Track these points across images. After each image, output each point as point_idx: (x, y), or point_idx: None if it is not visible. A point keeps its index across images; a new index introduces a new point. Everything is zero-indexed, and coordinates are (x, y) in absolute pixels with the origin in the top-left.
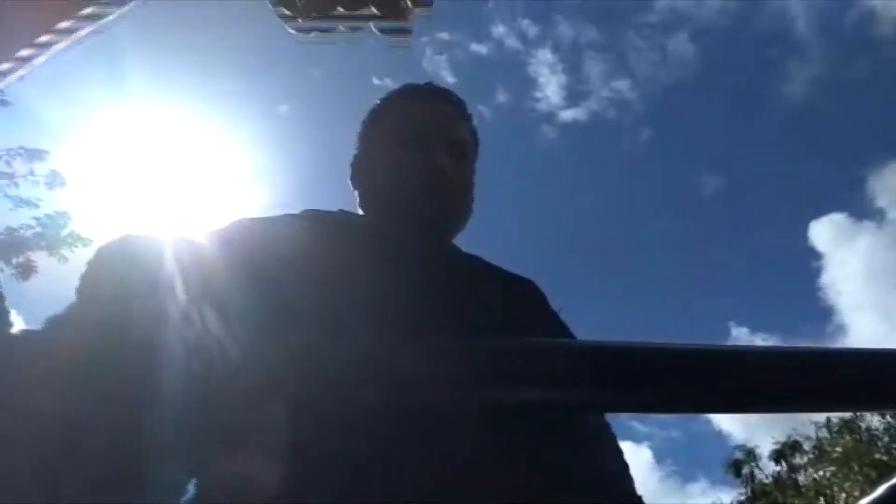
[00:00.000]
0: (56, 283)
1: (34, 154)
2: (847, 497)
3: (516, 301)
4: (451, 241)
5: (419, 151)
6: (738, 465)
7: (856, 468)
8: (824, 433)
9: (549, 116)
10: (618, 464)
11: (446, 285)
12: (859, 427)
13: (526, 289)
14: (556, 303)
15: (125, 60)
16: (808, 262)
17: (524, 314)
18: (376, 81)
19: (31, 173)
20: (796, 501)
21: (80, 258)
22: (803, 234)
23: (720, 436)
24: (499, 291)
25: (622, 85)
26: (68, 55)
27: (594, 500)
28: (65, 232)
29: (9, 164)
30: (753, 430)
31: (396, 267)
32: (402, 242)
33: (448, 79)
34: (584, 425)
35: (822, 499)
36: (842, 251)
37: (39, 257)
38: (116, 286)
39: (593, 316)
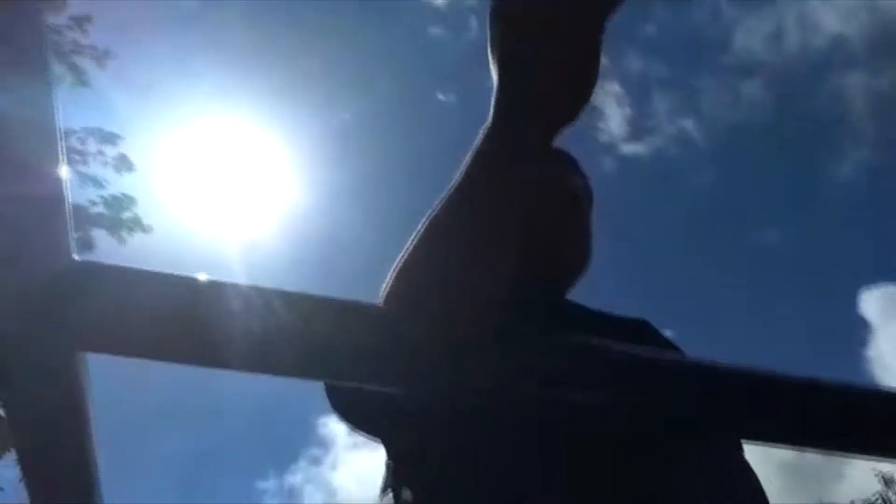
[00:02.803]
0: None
1: (108, 136)
2: None
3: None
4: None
5: None
6: None
7: None
8: None
9: (610, 148)
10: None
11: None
12: None
13: (643, 330)
14: None
15: (203, 63)
16: (857, 330)
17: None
18: (441, 97)
19: (101, 153)
20: None
21: (137, 242)
22: (853, 301)
23: None
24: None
25: (688, 124)
26: (154, 50)
27: None
28: (127, 214)
29: (82, 141)
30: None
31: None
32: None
33: None
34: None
35: None
36: (891, 323)
37: (98, 235)
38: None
39: None
